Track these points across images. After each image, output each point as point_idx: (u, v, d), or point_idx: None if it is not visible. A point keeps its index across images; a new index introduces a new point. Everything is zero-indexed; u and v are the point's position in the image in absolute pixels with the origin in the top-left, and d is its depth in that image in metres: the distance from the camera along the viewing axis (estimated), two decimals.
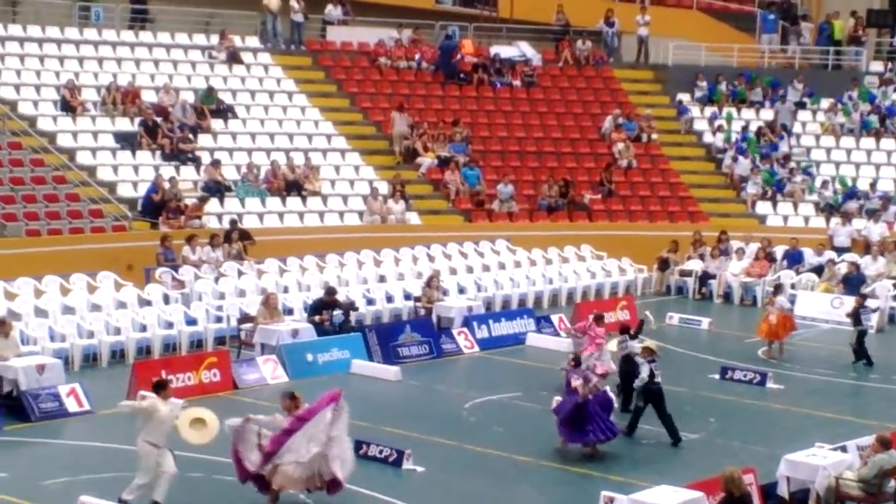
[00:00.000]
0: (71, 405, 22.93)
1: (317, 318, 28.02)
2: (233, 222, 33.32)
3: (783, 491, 19.00)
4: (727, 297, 36.50)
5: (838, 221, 39.48)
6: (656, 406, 22.54)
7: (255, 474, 18.51)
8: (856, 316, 29.49)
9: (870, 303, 33.46)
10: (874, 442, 19.09)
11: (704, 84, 45.55)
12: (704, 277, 36.81)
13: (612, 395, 22.34)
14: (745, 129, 43.78)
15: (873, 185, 41.50)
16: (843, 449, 20.00)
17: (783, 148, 43.16)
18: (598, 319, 25.41)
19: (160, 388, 18.37)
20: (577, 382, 21.60)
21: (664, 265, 37.40)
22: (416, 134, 40.35)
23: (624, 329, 24.72)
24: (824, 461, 19.02)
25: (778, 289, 30.41)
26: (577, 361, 22.29)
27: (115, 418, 22.89)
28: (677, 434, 22.52)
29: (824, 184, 41.53)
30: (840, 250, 38.01)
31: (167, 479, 17.89)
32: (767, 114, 44.88)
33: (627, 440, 22.58)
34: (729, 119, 44.55)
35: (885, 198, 40.48)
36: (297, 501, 18.66)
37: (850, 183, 41.47)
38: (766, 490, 18.81)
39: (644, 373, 22.36)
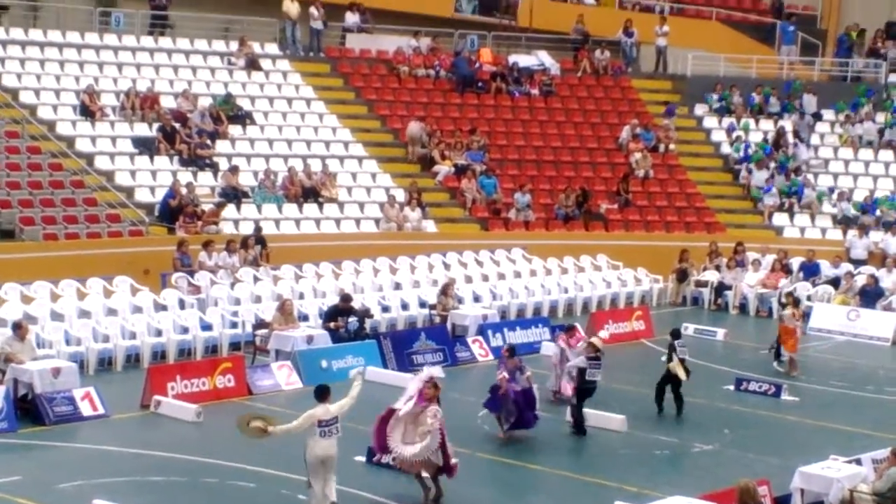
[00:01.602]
0: (85, 409, 22.96)
1: (332, 324, 28.04)
2: (257, 229, 33.38)
3: (797, 503, 18.94)
4: (743, 308, 36.44)
5: (855, 234, 39.44)
6: (580, 399, 23.16)
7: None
8: None
9: (883, 315, 33.56)
10: (889, 455, 19.00)
11: (715, 96, 45.53)
12: (720, 288, 36.77)
13: (535, 392, 22.98)
14: (765, 140, 43.74)
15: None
16: (858, 462, 19.92)
17: (802, 156, 43.12)
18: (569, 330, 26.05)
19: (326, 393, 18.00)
20: (500, 375, 22.50)
21: (682, 276, 37.31)
22: (433, 142, 40.39)
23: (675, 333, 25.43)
24: (839, 474, 18.96)
25: (794, 303, 29.94)
26: (511, 352, 23.07)
27: (130, 422, 23.04)
28: (583, 427, 23.22)
29: (840, 195, 41.42)
30: (857, 262, 37.93)
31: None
32: (786, 125, 44.79)
33: (643, 450, 22.58)
34: (746, 130, 44.52)
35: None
36: None
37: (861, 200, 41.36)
38: (780, 502, 18.78)
39: (580, 363, 23.28)
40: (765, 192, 41.48)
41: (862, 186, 42.46)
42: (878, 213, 40.51)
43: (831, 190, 42.02)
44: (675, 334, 25.38)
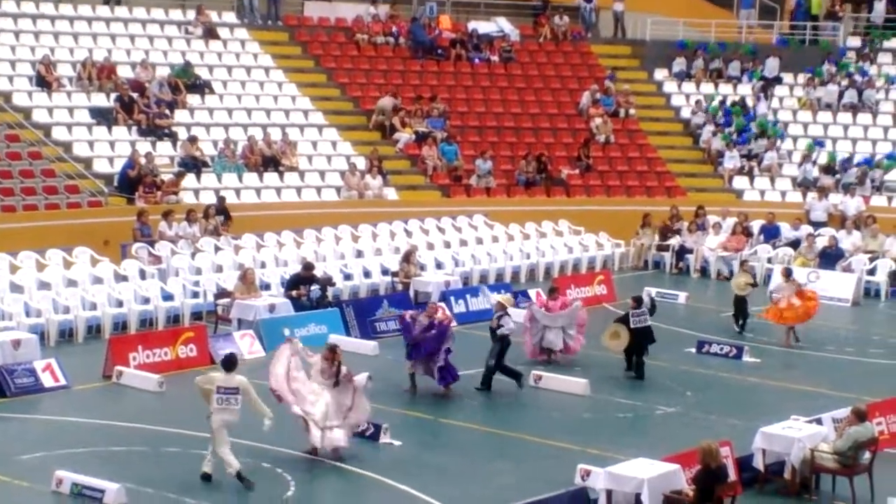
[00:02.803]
0: (47, 380, 22.84)
1: (294, 293, 27.99)
2: (220, 199, 33.23)
3: (759, 463, 19.06)
4: (704, 271, 36.56)
5: (814, 196, 39.60)
6: (503, 351, 23.73)
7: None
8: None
9: (843, 276, 33.73)
10: (850, 414, 19.17)
11: (683, 60, 45.61)
12: (681, 252, 36.87)
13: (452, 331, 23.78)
14: (722, 103, 43.88)
15: (851, 159, 41.62)
16: (819, 421, 20.06)
17: (760, 111, 43.29)
18: (552, 292, 26.83)
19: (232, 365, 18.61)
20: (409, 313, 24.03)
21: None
22: (393, 111, 40.25)
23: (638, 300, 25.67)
24: (800, 434, 19.07)
25: (789, 273, 29.54)
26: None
27: (91, 393, 22.94)
28: (519, 377, 23.83)
29: (805, 158, 41.58)
30: (816, 224, 38.13)
31: None
32: (745, 89, 44.95)
33: (606, 414, 22.68)
34: (713, 98, 44.47)
35: (861, 165, 40.55)
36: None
37: (837, 156, 41.44)
38: (742, 462, 18.87)
39: (509, 324, 23.80)
40: (743, 141, 41.39)
41: (833, 151, 42.53)
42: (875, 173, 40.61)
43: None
44: (636, 301, 25.44)
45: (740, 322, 29.30)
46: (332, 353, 19.79)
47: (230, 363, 18.56)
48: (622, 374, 25.06)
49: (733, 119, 43.04)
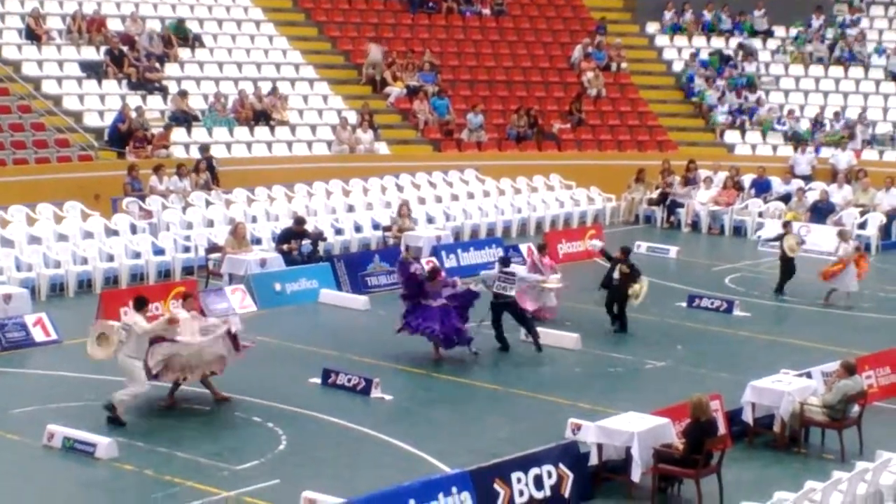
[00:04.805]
0: (38, 335, 22.89)
1: (285, 247, 28.00)
2: (202, 149, 33.10)
3: (748, 417, 19.15)
4: (695, 225, 36.59)
5: (798, 150, 39.58)
6: (513, 316, 23.62)
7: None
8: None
9: (834, 230, 33.68)
10: (839, 368, 19.27)
11: (672, 14, 45.44)
12: (672, 206, 36.87)
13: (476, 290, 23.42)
14: (711, 54, 43.81)
15: (838, 114, 41.58)
16: (808, 375, 20.15)
17: (749, 69, 43.18)
18: (541, 249, 26.65)
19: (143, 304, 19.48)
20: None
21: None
22: (385, 63, 40.12)
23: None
24: (789, 387, 19.16)
25: (843, 235, 29.19)
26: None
27: (82, 347, 22.85)
28: (537, 341, 23.52)
29: (790, 113, 41.56)
30: (802, 178, 38.10)
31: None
32: (732, 43, 44.85)
33: (597, 368, 22.74)
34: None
35: (849, 126, 40.58)
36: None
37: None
38: (731, 416, 18.96)
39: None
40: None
41: (812, 103, 42.60)
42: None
43: (779, 120, 41.91)
44: (624, 253, 25.44)
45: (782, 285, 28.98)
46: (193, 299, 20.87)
47: (137, 303, 19.52)
48: (612, 330, 25.10)
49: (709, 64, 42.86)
